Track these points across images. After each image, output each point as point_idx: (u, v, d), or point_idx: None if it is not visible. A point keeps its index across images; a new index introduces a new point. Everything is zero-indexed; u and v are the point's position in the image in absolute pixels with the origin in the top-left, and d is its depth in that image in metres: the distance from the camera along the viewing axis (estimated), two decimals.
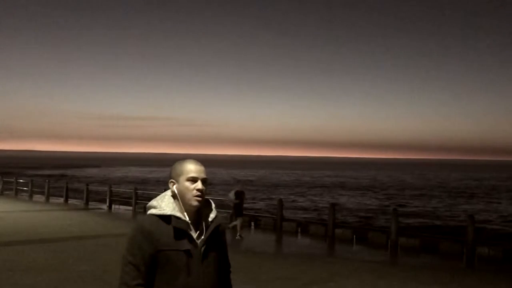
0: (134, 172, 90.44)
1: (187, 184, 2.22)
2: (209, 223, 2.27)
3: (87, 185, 26.06)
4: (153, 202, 2.27)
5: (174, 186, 2.26)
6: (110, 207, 23.12)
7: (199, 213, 2.27)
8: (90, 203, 24.62)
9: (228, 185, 48.14)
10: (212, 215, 2.30)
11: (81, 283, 7.99)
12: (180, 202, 2.23)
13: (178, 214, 2.19)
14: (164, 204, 2.22)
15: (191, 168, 2.24)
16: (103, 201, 24.44)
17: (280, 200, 18.16)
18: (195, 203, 2.21)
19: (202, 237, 2.22)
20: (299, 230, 16.83)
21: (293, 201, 35.58)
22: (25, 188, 29.00)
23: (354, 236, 15.33)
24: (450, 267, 11.66)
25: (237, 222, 14.93)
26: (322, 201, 36.18)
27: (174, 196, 2.26)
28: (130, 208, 22.40)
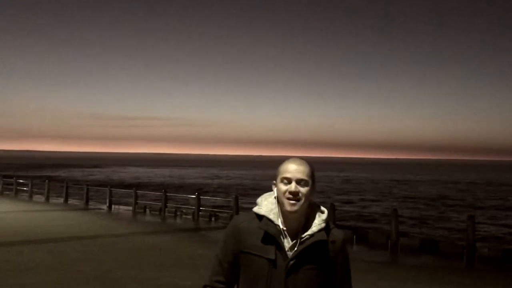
0: (134, 172, 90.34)
1: (281, 185, 1.94)
2: (306, 236, 1.93)
3: (87, 185, 26.08)
4: (259, 198, 2.04)
5: (275, 188, 1.99)
6: (110, 207, 23.13)
7: (307, 221, 1.96)
8: (90, 203, 24.65)
9: (224, 189, 47.81)
10: (313, 228, 1.94)
11: (81, 283, 7.97)
12: (280, 206, 1.96)
13: (272, 217, 1.93)
14: (264, 203, 1.99)
15: (287, 168, 1.95)
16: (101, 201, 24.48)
17: None
18: (288, 208, 1.90)
19: (295, 249, 1.91)
20: None
21: None
22: (25, 188, 29.01)
23: (354, 236, 15.32)
24: (450, 267, 11.66)
25: None
26: (322, 201, 36.15)
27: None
28: (130, 208, 22.40)
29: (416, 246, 13.98)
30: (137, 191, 23.01)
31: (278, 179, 1.95)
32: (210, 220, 19.43)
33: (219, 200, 25.05)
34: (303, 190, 1.91)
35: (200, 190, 32.68)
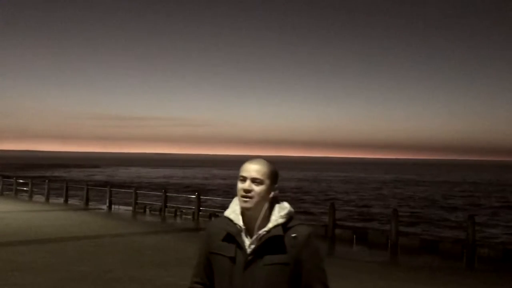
0: (134, 172, 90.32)
1: (238, 183, 2.02)
2: (262, 232, 1.97)
3: (87, 185, 26.08)
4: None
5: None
6: (110, 207, 23.13)
7: (268, 219, 2.01)
8: (90, 203, 24.65)
9: (224, 189, 47.71)
10: (269, 225, 1.99)
11: (81, 283, 7.97)
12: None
13: (232, 217, 2.03)
14: (232, 205, 2.09)
15: (244, 167, 2.04)
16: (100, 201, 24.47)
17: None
18: (241, 204, 1.98)
19: (253, 245, 1.97)
20: None
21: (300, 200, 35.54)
22: (25, 188, 29.01)
23: (354, 236, 15.32)
24: (450, 267, 11.67)
25: None
26: (323, 201, 36.14)
27: None
28: (130, 208, 22.41)
29: (416, 246, 13.99)
30: (137, 191, 23.04)
31: (238, 177, 2.05)
32: (210, 220, 19.43)
33: (219, 200, 25.04)
34: (257, 188, 1.98)
35: (200, 190, 32.67)
